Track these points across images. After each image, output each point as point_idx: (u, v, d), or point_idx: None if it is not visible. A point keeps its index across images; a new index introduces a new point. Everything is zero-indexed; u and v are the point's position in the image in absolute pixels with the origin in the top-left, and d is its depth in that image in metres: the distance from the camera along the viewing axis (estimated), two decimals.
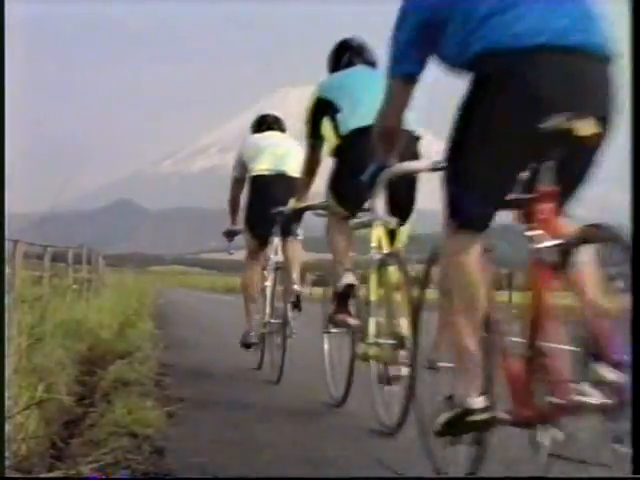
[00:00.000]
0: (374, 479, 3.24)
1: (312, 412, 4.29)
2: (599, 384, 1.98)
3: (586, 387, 2.00)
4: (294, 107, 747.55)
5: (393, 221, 3.42)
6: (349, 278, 3.83)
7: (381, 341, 3.48)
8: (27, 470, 2.99)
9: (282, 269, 5.40)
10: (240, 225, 6.18)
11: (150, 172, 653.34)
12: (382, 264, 3.59)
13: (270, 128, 6.04)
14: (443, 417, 2.36)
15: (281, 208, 5.00)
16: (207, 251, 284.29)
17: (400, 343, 3.31)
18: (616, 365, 1.96)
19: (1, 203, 2.79)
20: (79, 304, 9.07)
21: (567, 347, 2.13)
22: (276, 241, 5.56)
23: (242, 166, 5.93)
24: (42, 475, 2.99)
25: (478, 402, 2.26)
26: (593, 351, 2.00)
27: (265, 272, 5.68)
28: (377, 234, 3.66)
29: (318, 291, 44.39)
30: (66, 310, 6.91)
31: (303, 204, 4.42)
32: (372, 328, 3.52)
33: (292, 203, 4.57)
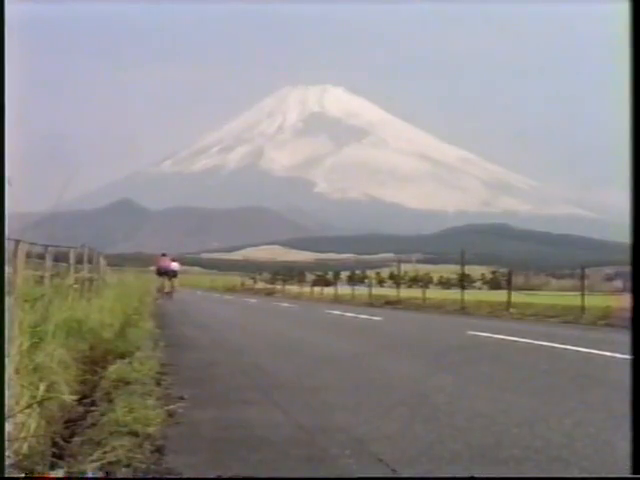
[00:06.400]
0: (374, 479, 3.25)
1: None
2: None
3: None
4: (294, 107, 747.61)
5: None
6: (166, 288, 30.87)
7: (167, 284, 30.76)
8: (28, 469, 2.99)
9: (168, 282, 30.67)
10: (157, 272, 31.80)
11: (150, 172, 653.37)
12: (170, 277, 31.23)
13: (165, 256, 31.84)
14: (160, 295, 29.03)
15: (166, 270, 30.71)
16: (207, 251, 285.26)
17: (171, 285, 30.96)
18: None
19: (1, 203, 2.80)
20: (80, 304, 9.07)
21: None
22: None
23: (158, 267, 31.03)
24: (44, 474, 3.00)
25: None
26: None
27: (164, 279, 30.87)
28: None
29: (317, 290, 44.07)
30: (67, 310, 6.91)
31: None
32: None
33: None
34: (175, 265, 31.19)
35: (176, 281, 31.65)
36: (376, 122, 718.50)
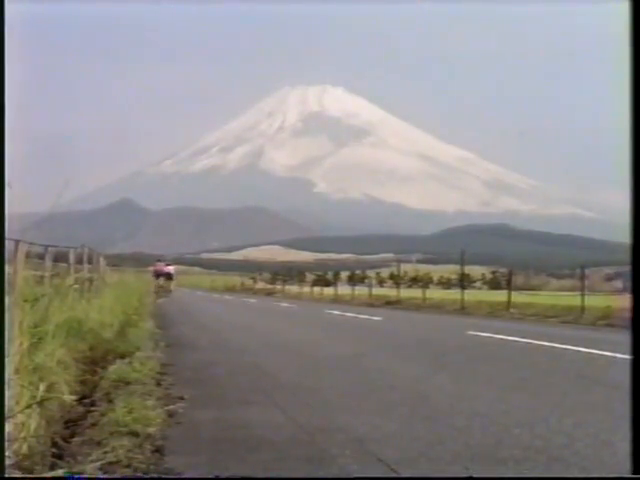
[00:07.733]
0: (374, 479, 3.25)
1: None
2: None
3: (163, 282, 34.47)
4: (294, 107, 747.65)
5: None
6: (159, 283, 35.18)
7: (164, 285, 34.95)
8: (28, 469, 2.99)
9: (164, 283, 34.94)
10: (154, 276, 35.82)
11: (150, 172, 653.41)
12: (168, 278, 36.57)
13: (160, 261, 37.01)
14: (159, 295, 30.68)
15: (161, 274, 35.69)
16: (207, 251, 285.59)
17: (168, 285, 35.23)
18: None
19: (1, 203, 2.80)
20: (80, 304, 9.06)
21: None
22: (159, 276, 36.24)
23: (154, 270, 35.46)
24: (43, 474, 3.00)
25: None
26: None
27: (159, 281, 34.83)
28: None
29: (317, 290, 44.09)
30: (67, 310, 6.90)
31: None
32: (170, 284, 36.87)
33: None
34: (170, 268, 36.02)
35: (173, 282, 36.82)
36: (376, 122, 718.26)
